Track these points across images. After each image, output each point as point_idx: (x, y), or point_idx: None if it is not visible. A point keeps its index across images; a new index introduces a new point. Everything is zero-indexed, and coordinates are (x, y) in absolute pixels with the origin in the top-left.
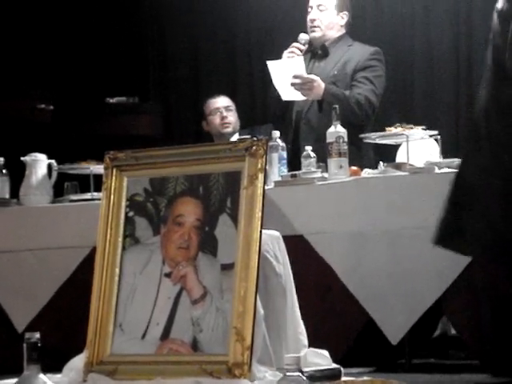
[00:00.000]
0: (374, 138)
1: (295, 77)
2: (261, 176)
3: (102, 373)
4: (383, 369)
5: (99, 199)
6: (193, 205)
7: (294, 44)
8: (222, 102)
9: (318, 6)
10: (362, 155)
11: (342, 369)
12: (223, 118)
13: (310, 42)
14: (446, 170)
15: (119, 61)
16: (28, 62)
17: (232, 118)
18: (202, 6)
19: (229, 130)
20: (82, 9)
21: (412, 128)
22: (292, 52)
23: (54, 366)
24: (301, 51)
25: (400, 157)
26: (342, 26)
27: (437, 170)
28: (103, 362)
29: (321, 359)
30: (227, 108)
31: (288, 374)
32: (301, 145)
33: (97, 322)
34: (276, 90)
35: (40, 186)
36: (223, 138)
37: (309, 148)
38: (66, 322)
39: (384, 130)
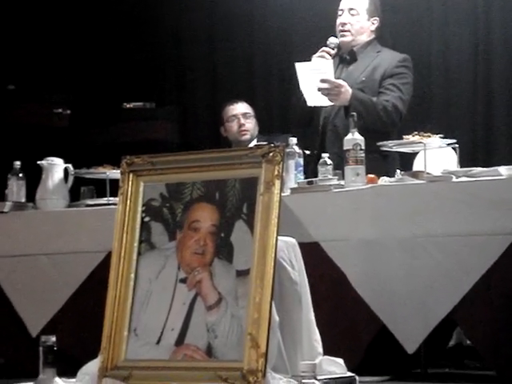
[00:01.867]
0: (391, 146)
1: (323, 81)
2: (277, 182)
3: (117, 378)
4: (398, 378)
5: (115, 204)
6: (209, 210)
7: (324, 48)
8: (240, 108)
9: (350, 9)
10: (388, 163)
11: (356, 377)
12: (241, 125)
13: (339, 46)
14: (463, 178)
15: (136, 66)
16: (46, 67)
17: (250, 124)
18: (219, 10)
19: (247, 137)
20: (100, 14)
21: (430, 136)
22: (322, 57)
23: (68, 370)
24: (330, 55)
25: (417, 165)
26: (372, 32)
27: (454, 179)
28: (118, 367)
29: (336, 367)
30: (245, 115)
31: (303, 381)
32: (327, 151)
33: (111, 327)
34: (302, 96)
35: (56, 191)
36: (241, 144)
37: (325, 155)
38: (80, 327)
39: (401, 138)
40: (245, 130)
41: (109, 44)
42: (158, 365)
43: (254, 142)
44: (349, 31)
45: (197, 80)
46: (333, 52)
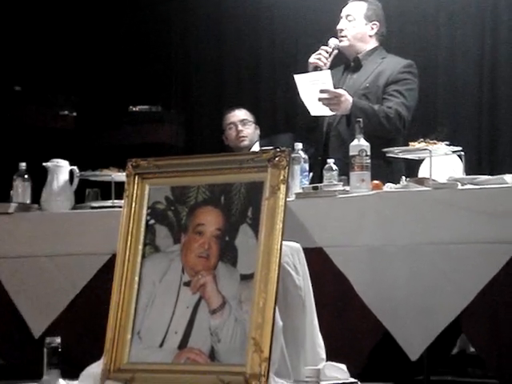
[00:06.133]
0: (397, 152)
1: (322, 91)
2: (283, 187)
3: (119, 380)
4: None
5: (120, 207)
6: (214, 214)
7: (322, 47)
8: (237, 115)
9: (347, 16)
10: (393, 169)
11: (359, 383)
12: (239, 132)
13: (341, 52)
14: (468, 186)
15: (143, 69)
16: (52, 69)
17: (248, 130)
18: (226, 16)
19: (245, 143)
20: (108, 18)
21: (435, 143)
22: (319, 54)
23: (70, 372)
24: (328, 53)
25: (423, 172)
26: (371, 37)
27: (459, 187)
28: (120, 369)
29: (338, 373)
30: (243, 121)
31: None
32: (331, 157)
33: (115, 330)
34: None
35: (61, 192)
36: (241, 151)
37: (331, 161)
38: (83, 329)
39: (407, 145)
40: (243, 137)
41: (116, 47)
42: (161, 368)
43: (257, 146)
44: (345, 36)
45: (203, 84)
46: (330, 50)
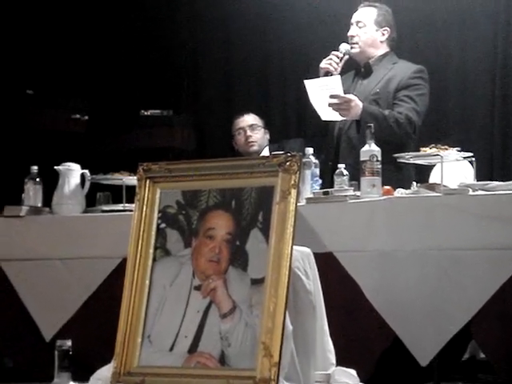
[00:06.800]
0: (408, 158)
1: (332, 96)
2: (293, 192)
3: None
4: None
5: (131, 210)
6: (224, 218)
7: (333, 52)
8: (246, 120)
9: (358, 22)
10: (403, 175)
11: None
12: (247, 137)
13: (352, 57)
14: (479, 192)
15: (154, 74)
16: (64, 73)
17: (257, 135)
18: (235, 20)
19: (254, 148)
20: (119, 22)
21: (447, 149)
22: (330, 59)
23: (81, 375)
24: (338, 58)
25: (434, 178)
26: (382, 43)
27: (471, 192)
28: (130, 373)
29: (348, 378)
30: (251, 126)
31: None
32: (341, 162)
33: (125, 333)
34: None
35: (72, 196)
36: (250, 156)
37: (342, 166)
38: (94, 332)
39: (419, 151)
40: (252, 142)
41: (127, 51)
42: (171, 372)
43: (266, 151)
44: (357, 43)
45: (213, 88)
46: (341, 55)
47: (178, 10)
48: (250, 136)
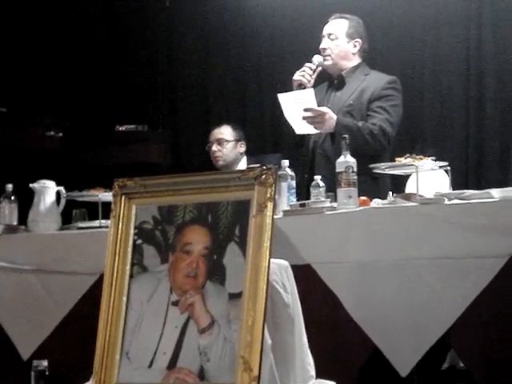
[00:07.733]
0: (383, 168)
1: (306, 110)
2: (270, 205)
3: None
4: None
5: (107, 227)
6: (201, 233)
7: (306, 64)
8: (214, 135)
9: (329, 35)
10: (379, 185)
11: None
12: (213, 152)
13: (324, 69)
14: (455, 201)
15: (129, 89)
16: (38, 90)
17: (225, 150)
18: (212, 34)
19: (220, 163)
20: (93, 38)
21: (422, 159)
22: (303, 71)
23: None
24: (312, 70)
25: (409, 188)
26: (354, 54)
27: (446, 202)
28: None
29: None
30: (218, 141)
31: None
32: (317, 174)
33: (103, 351)
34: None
35: (48, 213)
36: (221, 170)
37: (318, 177)
38: (72, 350)
39: (394, 161)
40: (216, 157)
41: (101, 67)
42: None
43: (244, 163)
44: (329, 55)
45: (189, 103)
46: (314, 67)
47: (153, 24)
48: (215, 151)
